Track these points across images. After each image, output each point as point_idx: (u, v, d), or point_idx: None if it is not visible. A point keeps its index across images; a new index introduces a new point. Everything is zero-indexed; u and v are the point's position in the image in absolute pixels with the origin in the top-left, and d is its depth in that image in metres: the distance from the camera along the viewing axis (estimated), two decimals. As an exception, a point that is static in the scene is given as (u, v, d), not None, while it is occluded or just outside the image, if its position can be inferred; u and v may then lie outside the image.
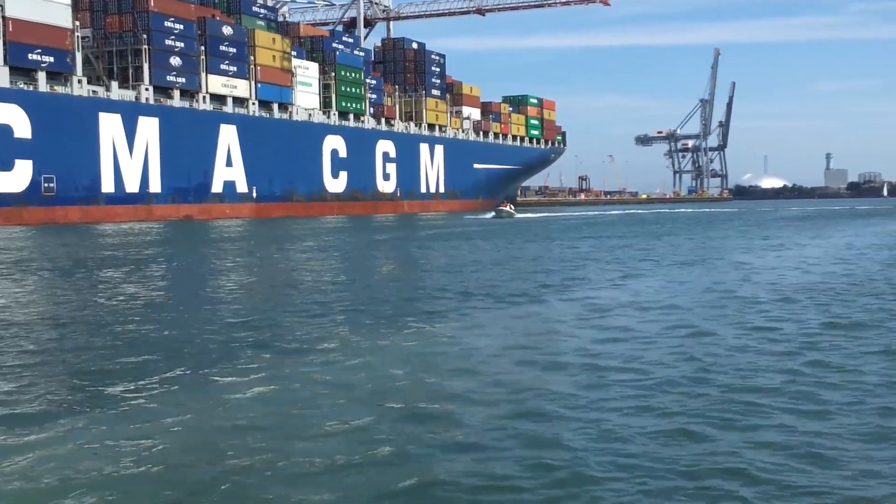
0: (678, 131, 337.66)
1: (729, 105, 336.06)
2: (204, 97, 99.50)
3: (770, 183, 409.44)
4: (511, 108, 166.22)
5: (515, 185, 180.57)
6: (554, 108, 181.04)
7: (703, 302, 23.46)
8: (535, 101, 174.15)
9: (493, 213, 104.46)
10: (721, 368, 14.64)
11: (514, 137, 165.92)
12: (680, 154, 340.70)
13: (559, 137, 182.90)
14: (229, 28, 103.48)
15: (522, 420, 11.44)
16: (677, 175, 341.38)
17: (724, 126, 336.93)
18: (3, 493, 8.81)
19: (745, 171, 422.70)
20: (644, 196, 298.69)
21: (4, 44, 78.31)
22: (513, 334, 18.51)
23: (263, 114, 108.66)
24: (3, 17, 78.13)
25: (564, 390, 13.15)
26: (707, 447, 10.27)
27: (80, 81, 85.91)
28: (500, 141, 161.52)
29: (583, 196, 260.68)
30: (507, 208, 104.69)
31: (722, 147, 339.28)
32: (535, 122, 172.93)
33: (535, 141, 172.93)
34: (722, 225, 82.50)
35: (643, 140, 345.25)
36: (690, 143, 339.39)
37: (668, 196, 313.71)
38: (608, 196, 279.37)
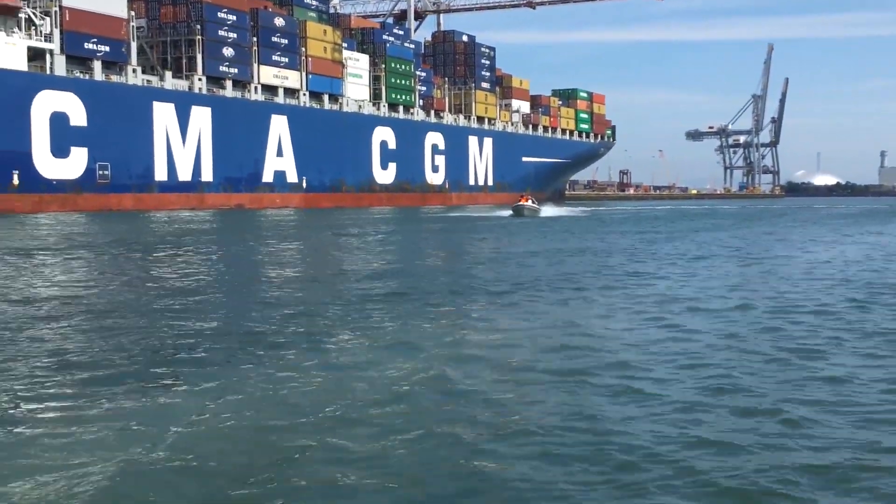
0: (730, 127, 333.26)
1: (782, 101, 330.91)
2: (256, 88, 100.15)
3: (823, 180, 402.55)
4: (560, 102, 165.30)
5: (564, 179, 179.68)
6: (604, 102, 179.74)
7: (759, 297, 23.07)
8: (584, 94, 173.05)
9: (510, 211, 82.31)
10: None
11: (564, 131, 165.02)
12: (731, 150, 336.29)
13: (609, 131, 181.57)
14: (281, 19, 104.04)
15: (572, 413, 11.29)
16: (728, 171, 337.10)
17: (777, 122, 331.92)
18: (46, 475, 8.76)
19: (798, 168, 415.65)
20: (694, 192, 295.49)
21: (62, 33, 79.45)
22: (561, 327, 18.32)
23: (314, 105, 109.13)
24: (61, 7, 79.24)
25: (612, 383, 12.99)
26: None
27: (134, 71, 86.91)
28: (550, 134, 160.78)
29: (632, 191, 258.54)
30: (529, 202, 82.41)
31: (774, 143, 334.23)
32: (585, 115, 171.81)
33: (584, 135, 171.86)
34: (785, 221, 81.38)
35: (694, 135, 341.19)
36: (742, 138, 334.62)
37: (718, 192, 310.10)
38: (657, 191, 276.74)
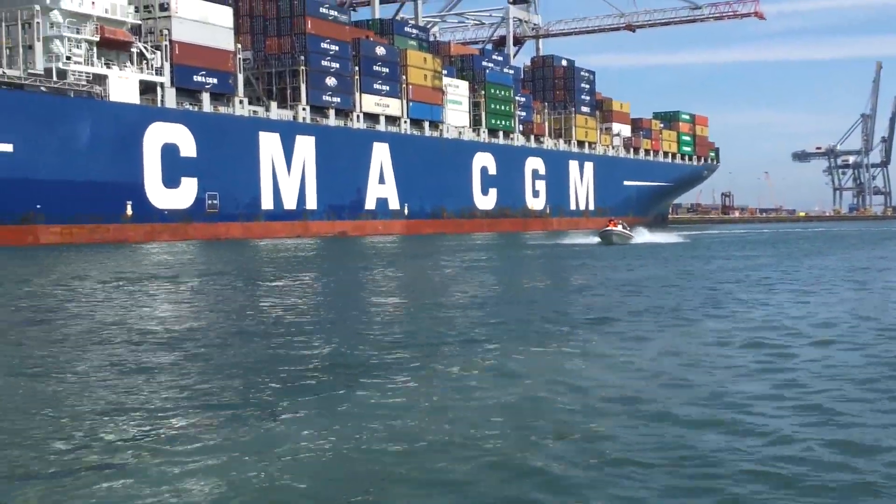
0: (838, 147, 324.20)
1: (892, 120, 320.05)
2: (358, 116, 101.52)
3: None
4: (662, 125, 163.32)
5: (666, 203, 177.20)
6: (706, 124, 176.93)
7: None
8: (686, 116, 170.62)
9: (598, 238, 70.88)
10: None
11: (666, 154, 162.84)
12: (840, 171, 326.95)
13: (712, 154, 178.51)
14: (382, 48, 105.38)
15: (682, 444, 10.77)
16: (837, 192, 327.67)
17: (888, 142, 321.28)
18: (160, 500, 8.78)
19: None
20: (802, 214, 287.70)
21: (172, 66, 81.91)
22: (668, 356, 17.71)
23: (415, 132, 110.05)
24: (171, 41, 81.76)
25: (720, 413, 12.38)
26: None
27: (241, 102, 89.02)
28: (651, 158, 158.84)
29: (737, 214, 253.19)
30: (619, 228, 70.75)
31: (885, 163, 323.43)
32: (687, 138, 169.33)
33: (686, 157, 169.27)
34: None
35: (801, 156, 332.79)
36: (851, 159, 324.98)
37: (827, 214, 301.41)
38: (763, 214, 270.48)
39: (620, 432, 10.99)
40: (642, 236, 74.33)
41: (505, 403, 12.69)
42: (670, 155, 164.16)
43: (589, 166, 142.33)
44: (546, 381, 14.38)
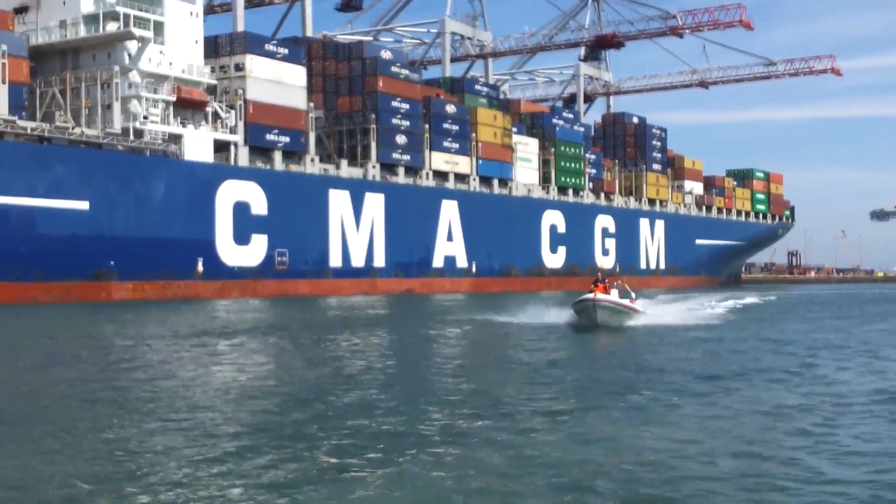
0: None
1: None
2: (427, 174, 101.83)
3: None
4: (735, 183, 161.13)
5: (740, 262, 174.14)
6: (781, 182, 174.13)
7: None
8: (761, 174, 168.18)
9: (572, 312, 42.66)
10: None
11: (739, 212, 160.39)
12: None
13: (787, 212, 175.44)
14: (452, 106, 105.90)
15: None
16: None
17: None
18: None
19: None
20: (880, 274, 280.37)
21: (245, 125, 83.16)
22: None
23: (484, 189, 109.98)
24: (245, 101, 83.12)
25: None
26: None
27: (312, 160, 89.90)
28: (724, 216, 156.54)
29: (813, 274, 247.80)
30: (611, 296, 41.88)
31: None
32: (762, 196, 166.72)
33: (761, 216, 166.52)
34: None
35: (879, 215, 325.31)
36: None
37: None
38: (840, 274, 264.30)
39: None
40: (654, 311, 48.00)
41: (575, 469, 12.55)
42: (744, 213, 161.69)
43: (660, 224, 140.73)
44: (612, 448, 14.15)
